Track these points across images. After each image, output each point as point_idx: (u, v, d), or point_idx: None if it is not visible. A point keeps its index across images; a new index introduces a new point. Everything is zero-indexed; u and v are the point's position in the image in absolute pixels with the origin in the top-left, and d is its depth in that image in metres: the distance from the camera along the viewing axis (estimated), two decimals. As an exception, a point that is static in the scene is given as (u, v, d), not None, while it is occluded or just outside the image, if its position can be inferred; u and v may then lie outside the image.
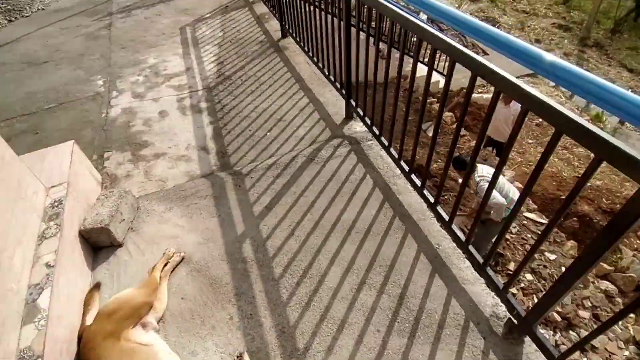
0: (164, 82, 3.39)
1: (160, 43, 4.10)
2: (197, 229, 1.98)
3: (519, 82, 1.09)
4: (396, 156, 2.09)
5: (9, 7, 5.27)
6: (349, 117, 2.72)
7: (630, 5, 14.53)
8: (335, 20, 2.41)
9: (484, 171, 3.20)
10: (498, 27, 11.28)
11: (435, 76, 7.37)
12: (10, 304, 1.33)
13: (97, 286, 1.70)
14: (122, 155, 2.60)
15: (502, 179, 3.43)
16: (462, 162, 3.35)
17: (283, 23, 3.76)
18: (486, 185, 3.28)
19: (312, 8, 2.79)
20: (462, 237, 1.65)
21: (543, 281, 3.82)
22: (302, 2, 3.01)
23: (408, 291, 1.63)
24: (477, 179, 3.14)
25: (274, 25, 4.18)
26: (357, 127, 2.62)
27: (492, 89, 1.21)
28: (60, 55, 4.07)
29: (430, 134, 5.70)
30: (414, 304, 1.58)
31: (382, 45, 6.44)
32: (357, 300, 1.60)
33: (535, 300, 3.61)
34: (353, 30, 2.22)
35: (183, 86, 3.31)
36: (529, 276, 3.80)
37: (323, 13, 2.57)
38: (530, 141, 6.53)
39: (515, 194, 3.24)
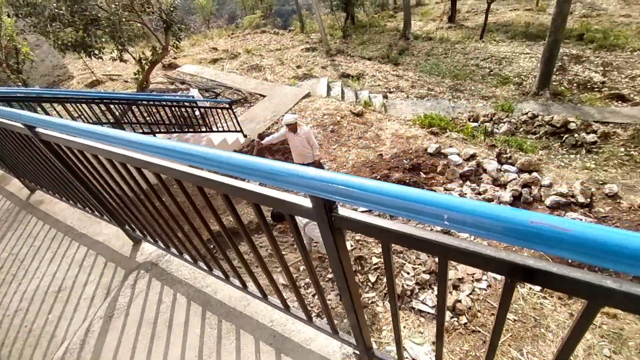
0: None
1: None
2: None
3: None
4: (190, 260, 1.94)
5: None
6: (135, 240, 2.45)
7: (343, 15, 18.59)
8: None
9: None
10: (263, 72, 12.66)
11: (233, 135, 7.66)
12: None
13: None
14: None
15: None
16: (280, 215, 3.51)
17: (22, 179, 3.20)
18: (313, 225, 3.60)
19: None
20: (280, 304, 1.61)
21: (401, 254, 4.26)
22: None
23: (262, 395, 1.48)
24: (304, 223, 3.51)
25: (16, 184, 3.54)
26: (149, 247, 2.37)
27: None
28: None
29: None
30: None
31: (162, 136, 6.30)
32: None
33: (405, 275, 3.99)
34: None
35: None
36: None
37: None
38: (334, 146, 7.40)
39: None
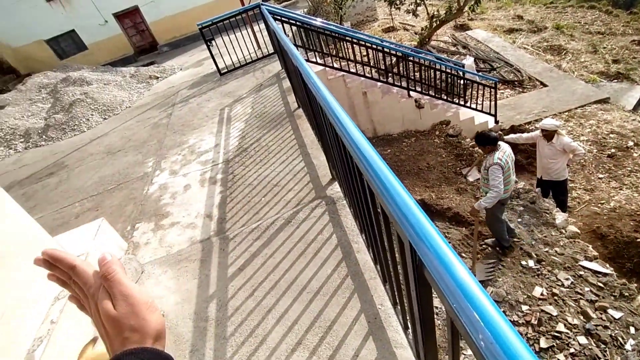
0: (196, 159, 4.01)
1: (202, 125, 4.88)
2: (179, 290, 2.29)
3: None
4: (352, 214, 2.18)
5: (104, 108, 6.83)
6: (333, 176, 2.90)
7: None
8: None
9: (504, 155, 3.59)
10: (562, 56, 10.50)
11: (483, 116, 7.13)
12: (14, 355, 1.75)
13: (93, 340, 2.07)
14: (148, 225, 3.13)
15: (510, 162, 3.69)
16: (486, 138, 3.59)
17: (295, 96, 4.22)
18: (499, 171, 3.46)
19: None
20: (391, 295, 1.65)
21: (602, 345, 3.21)
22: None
23: (338, 354, 1.66)
24: (496, 160, 3.51)
25: (294, 97, 4.68)
26: (338, 187, 2.77)
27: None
28: (130, 144, 5.10)
29: (471, 179, 5.45)
30: (339, 367, 1.60)
31: (415, 95, 6.59)
32: (288, 361, 1.69)
33: (591, 369, 3.03)
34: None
35: (208, 161, 3.88)
36: (581, 339, 3.23)
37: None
38: (601, 176, 5.73)
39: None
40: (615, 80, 8.89)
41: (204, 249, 2.58)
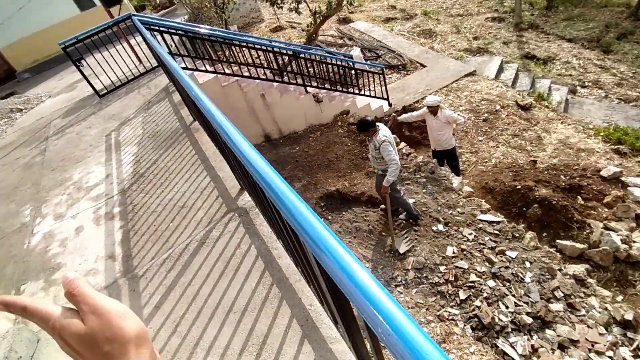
0: (85, 196, 3.53)
1: (87, 155, 4.31)
2: (87, 350, 1.98)
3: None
4: (267, 222, 2.13)
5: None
6: (241, 185, 2.80)
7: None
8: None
9: (386, 132, 3.93)
10: (433, 38, 11.77)
11: (378, 102, 7.61)
12: None
13: None
14: (36, 285, 2.66)
15: (393, 143, 4.07)
16: (366, 123, 3.87)
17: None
18: (389, 146, 3.83)
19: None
20: (317, 297, 1.65)
21: (507, 283, 3.70)
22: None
23: (276, 366, 1.61)
24: (383, 138, 3.82)
25: (187, 110, 4.41)
26: (249, 196, 2.69)
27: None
28: (-3, 193, 4.28)
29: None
30: (279, 380, 1.55)
31: (312, 90, 6.74)
32: (225, 391, 1.58)
33: (503, 307, 3.48)
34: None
35: (101, 195, 3.44)
36: (490, 283, 3.69)
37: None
38: (481, 138, 6.58)
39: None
40: (478, 55, 10.27)
41: (111, 296, 2.28)
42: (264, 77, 6.12)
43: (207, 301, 2.01)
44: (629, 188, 4.97)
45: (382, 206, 4.72)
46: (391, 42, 11.15)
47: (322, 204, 5.11)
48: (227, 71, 5.92)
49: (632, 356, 3.23)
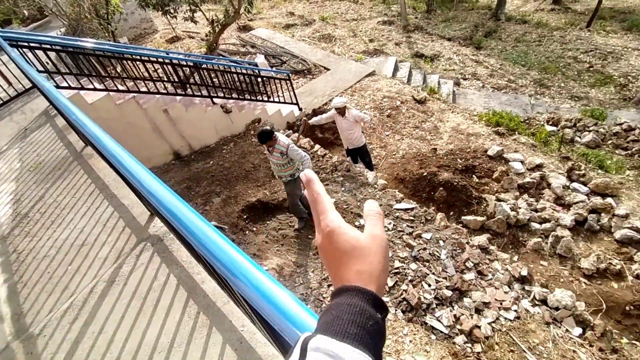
0: (-52, 252, 2.88)
1: (-54, 202, 3.53)
2: None
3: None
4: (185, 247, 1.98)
5: None
6: (152, 212, 2.57)
7: (431, -12, 17.05)
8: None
9: (284, 137, 4.01)
10: (333, 43, 12.31)
11: (288, 107, 7.66)
12: None
13: None
14: None
15: None
16: (267, 133, 3.84)
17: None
18: (294, 146, 3.93)
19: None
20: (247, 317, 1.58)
21: (427, 263, 4.03)
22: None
23: (212, 401, 1.50)
24: (286, 142, 3.91)
25: (76, 135, 3.91)
26: (160, 222, 2.47)
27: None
28: None
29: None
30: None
31: (220, 101, 6.52)
32: None
33: (426, 286, 3.77)
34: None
35: (-29, 248, 2.85)
36: (413, 266, 3.96)
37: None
38: (387, 133, 7.06)
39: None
40: (375, 56, 11.02)
41: (-2, 367, 1.90)
42: (164, 91, 5.72)
43: (125, 347, 1.78)
44: (510, 163, 5.79)
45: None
46: (294, 48, 11.35)
47: (245, 217, 4.97)
48: (121, 87, 5.39)
49: (531, 305, 3.77)
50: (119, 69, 5.84)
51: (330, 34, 12.99)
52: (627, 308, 4.04)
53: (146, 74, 5.67)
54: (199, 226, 0.74)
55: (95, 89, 5.09)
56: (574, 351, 3.25)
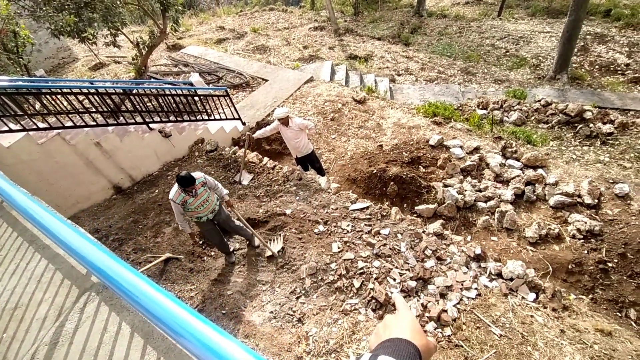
0: None
1: None
2: None
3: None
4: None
5: None
6: (94, 258, 2.36)
7: (354, -9, 17.66)
8: None
9: (206, 177, 3.78)
10: (268, 53, 12.29)
11: (230, 123, 7.50)
12: None
13: None
14: None
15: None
16: (187, 178, 3.50)
17: None
18: (214, 181, 3.76)
19: None
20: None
21: (389, 257, 4.12)
22: None
23: None
24: (203, 177, 3.71)
25: (-6, 185, 3.50)
26: (104, 267, 2.28)
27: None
28: None
29: (245, 182, 5.72)
30: None
31: (157, 126, 6.22)
32: None
33: (391, 281, 3.85)
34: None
35: None
36: (376, 263, 4.03)
37: None
38: (333, 136, 7.16)
39: None
40: (311, 62, 11.17)
41: None
42: (93, 123, 5.33)
43: (79, 414, 1.61)
44: (450, 150, 6.13)
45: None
46: (229, 62, 11.18)
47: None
48: (41, 125, 4.93)
49: (489, 280, 3.99)
50: (37, 105, 5.35)
51: (264, 44, 12.97)
52: (570, 266, 4.43)
53: (70, 107, 5.24)
54: (132, 281, 0.67)
55: (10, 130, 4.62)
56: (532, 316, 3.48)
